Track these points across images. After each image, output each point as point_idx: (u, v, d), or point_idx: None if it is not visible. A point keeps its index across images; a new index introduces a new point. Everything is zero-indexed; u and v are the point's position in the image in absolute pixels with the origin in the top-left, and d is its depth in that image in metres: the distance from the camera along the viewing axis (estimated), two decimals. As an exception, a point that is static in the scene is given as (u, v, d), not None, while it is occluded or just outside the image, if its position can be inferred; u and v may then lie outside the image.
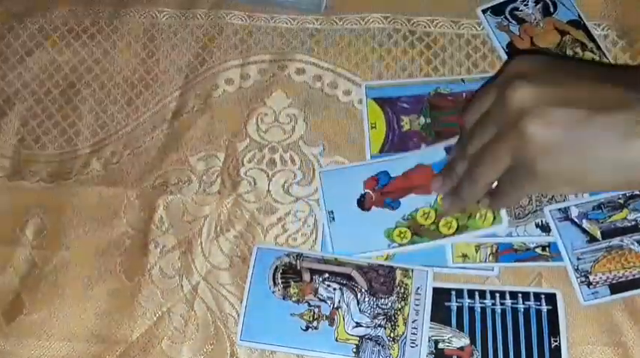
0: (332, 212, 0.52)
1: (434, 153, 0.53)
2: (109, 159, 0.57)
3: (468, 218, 0.50)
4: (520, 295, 0.49)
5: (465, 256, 0.50)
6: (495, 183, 0.46)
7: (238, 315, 0.50)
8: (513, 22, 0.60)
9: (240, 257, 0.52)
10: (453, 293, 0.49)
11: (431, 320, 0.48)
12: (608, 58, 0.57)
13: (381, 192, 0.52)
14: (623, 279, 0.48)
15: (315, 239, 0.52)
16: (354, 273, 0.50)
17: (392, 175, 0.52)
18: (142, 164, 0.56)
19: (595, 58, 0.57)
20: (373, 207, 0.52)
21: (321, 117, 0.57)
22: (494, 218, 0.49)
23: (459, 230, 0.50)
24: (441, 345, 0.48)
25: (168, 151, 0.57)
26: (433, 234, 0.50)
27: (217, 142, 0.57)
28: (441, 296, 0.49)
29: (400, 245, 0.50)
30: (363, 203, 0.52)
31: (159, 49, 0.62)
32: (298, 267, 0.50)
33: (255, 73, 0.60)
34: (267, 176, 0.55)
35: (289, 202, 0.54)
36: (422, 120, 0.55)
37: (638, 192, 0.50)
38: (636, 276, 0.48)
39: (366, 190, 0.52)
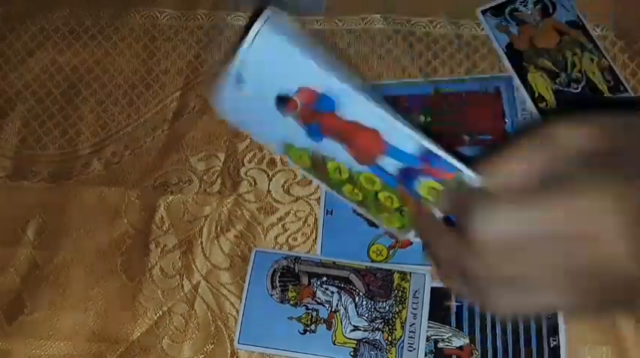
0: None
1: (403, 138, 0.36)
2: (110, 159, 0.57)
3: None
4: (519, 295, 0.49)
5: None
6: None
7: (239, 315, 0.50)
8: (512, 22, 0.60)
9: (241, 256, 0.52)
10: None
11: (430, 320, 0.48)
12: (607, 59, 0.57)
13: (314, 114, 0.38)
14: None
15: (315, 238, 0.52)
16: (352, 277, 0.50)
17: (336, 110, 0.37)
18: (142, 164, 0.57)
19: (594, 58, 0.57)
20: (290, 117, 0.39)
21: (321, 118, 0.58)
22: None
23: (359, 204, 0.43)
24: (440, 345, 0.48)
25: (168, 151, 0.57)
26: (332, 185, 0.43)
27: (218, 142, 0.57)
28: (440, 295, 0.49)
29: (293, 162, 0.43)
30: (281, 104, 0.38)
31: (160, 49, 0.62)
32: (296, 271, 0.50)
33: (256, 73, 0.60)
34: (268, 176, 0.55)
35: (289, 202, 0.54)
36: (422, 118, 0.56)
37: None
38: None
39: (294, 96, 0.38)
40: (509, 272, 0.32)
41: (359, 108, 0.37)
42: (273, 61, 0.37)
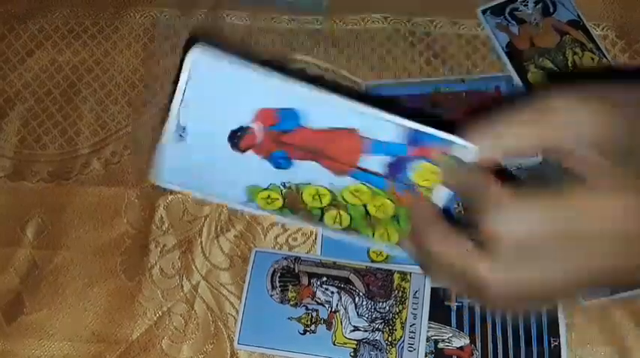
0: (184, 128, 0.34)
1: (383, 127, 0.33)
2: (110, 158, 0.57)
3: (364, 224, 0.39)
4: (520, 295, 0.49)
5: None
6: None
7: (238, 315, 0.50)
8: (513, 22, 0.60)
9: (241, 257, 0.52)
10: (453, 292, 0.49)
11: (431, 320, 0.48)
12: (607, 59, 0.57)
13: (276, 137, 0.34)
14: (623, 279, 0.48)
15: (315, 238, 0.52)
16: (352, 277, 0.50)
17: (303, 123, 0.33)
18: (142, 164, 0.56)
19: (594, 58, 0.57)
20: (250, 152, 0.35)
21: (321, 118, 0.57)
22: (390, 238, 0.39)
23: (346, 229, 0.38)
24: (440, 345, 0.48)
25: (168, 151, 0.57)
26: (312, 218, 0.38)
27: (217, 142, 0.57)
28: (440, 295, 0.49)
29: (260, 208, 0.38)
30: (238, 139, 0.34)
31: (159, 49, 0.62)
32: (296, 271, 0.50)
33: (256, 73, 0.60)
34: (268, 176, 0.55)
35: (289, 202, 0.54)
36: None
37: None
38: (636, 276, 0.48)
39: (252, 124, 0.34)
40: (522, 273, 0.31)
41: (329, 109, 0.33)
42: (218, 92, 0.32)
